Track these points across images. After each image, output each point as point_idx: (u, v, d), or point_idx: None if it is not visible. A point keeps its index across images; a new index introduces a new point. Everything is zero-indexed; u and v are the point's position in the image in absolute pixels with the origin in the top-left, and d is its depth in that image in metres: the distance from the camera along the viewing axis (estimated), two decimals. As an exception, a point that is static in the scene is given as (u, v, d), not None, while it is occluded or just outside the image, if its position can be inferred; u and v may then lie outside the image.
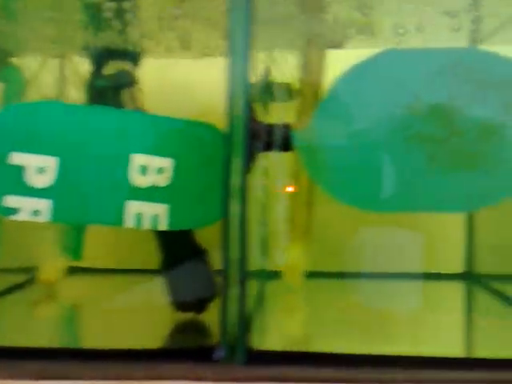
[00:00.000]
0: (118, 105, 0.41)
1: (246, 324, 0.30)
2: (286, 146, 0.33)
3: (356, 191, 0.33)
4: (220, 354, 0.29)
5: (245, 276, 0.30)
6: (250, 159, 0.31)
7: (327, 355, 0.30)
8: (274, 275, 0.46)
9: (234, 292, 0.30)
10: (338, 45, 0.45)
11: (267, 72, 0.45)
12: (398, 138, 0.31)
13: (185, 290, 0.38)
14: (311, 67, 0.44)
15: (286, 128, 0.33)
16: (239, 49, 0.29)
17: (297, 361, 0.29)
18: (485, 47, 0.46)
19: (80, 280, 0.51)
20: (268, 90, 0.46)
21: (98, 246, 0.49)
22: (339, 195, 0.33)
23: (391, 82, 0.31)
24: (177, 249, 0.39)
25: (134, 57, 0.46)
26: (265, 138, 0.33)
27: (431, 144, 0.31)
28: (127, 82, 0.42)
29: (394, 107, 0.31)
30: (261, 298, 0.45)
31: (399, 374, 0.28)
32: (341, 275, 0.48)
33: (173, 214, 0.34)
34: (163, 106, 0.45)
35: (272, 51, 0.47)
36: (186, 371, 0.28)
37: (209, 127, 0.33)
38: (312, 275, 0.45)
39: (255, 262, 0.46)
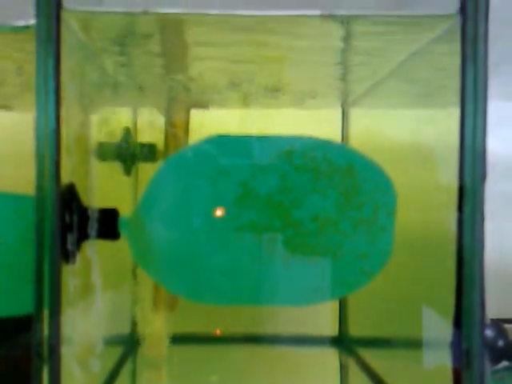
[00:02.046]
0: None
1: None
2: (114, 232, 0.30)
3: (189, 284, 0.30)
4: None
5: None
6: (69, 253, 0.28)
7: None
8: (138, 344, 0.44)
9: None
10: (203, 105, 0.43)
11: (127, 132, 0.42)
12: (228, 228, 0.29)
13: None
14: (176, 127, 0.42)
15: (114, 213, 0.30)
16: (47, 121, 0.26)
17: None
18: (354, 110, 0.45)
19: None
20: (130, 151, 0.43)
21: None
22: (174, 288, 0.30)
23: (219, 169, 0.29)
24: (9, 334, 0.35)
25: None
26: (89, 224, 0.29)
27: (265, 235, 0.29)
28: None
29: (223, 196, 0.29)
30: (119, 369, 0.41)
31: None
32: (211, 340, 0.45)
33: None
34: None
35: (136, 111, 0.44)
36: None
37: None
38: (179, 340, 0.42)
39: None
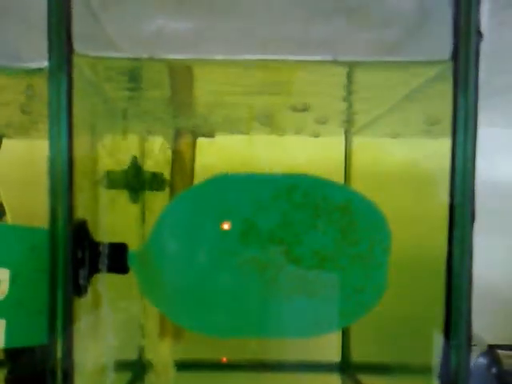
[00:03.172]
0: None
1: None
2: (123, 267, 0.31)
3: (195, 317, 0.31)
4: None
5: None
6: (81, 288, 0.29)
7: None
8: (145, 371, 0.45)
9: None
10: (209, 134, 0.44)
11: (135, 161, 0.44)
12: (232, 263, 0.30)
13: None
14: (182, 156, 0.43)
15: (123, 248, 0.32)
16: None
17: None
18: (356, 138, 0.46)
19: None
20: (137, 179, 0.45)
21: None
22: (180, 320, 0.32)
23: (223, 207, 0.30)
24: (25, 361, 0.37)
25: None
26: (100, 259, 0.31)
27: (268, 270, 0.30)
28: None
29: (228, 232, 0.30)
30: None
31: None
32: (217, 366, 0.46)
33: (11, 330, 0.32)
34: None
35: (143, 140, 0.46)
36: None
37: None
38: (186, 366, 0.43)
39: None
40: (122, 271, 0.31)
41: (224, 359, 0.47)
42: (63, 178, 0.28)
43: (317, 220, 0.30)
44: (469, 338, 0.28)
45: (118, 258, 0.31)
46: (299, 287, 0.31)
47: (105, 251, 0.31)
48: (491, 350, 0.40)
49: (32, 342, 0.33)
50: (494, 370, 0.40)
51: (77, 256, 0.28)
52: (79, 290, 0.29)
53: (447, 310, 0.28)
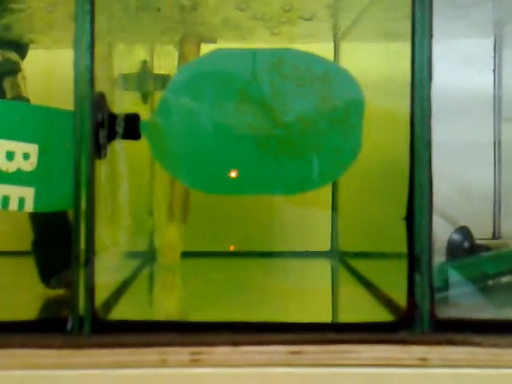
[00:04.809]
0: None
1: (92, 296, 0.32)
2: (136, 133, 0.36)
3: (198, 176, 0.37)
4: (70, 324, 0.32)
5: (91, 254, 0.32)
6: (101, 147, 0.34)
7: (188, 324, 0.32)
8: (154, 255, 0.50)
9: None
10: (212, 40, 0.49)
11: (144, 64, 0.48)
12: (230, 128, 0.35)
13: (55, 268, 0.40)
14: (187, 60, 0.47)
15: (135, 117, 0.37)
16: (83, 38, 0.31)
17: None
18: (345, 45, 0.50)
19: None
20: (147, 81, 0.49)
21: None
22: (185, 180, 0.37)
23: (221, 78, 0.35)
24: (49, 228, 0.41)
25: (20, 47, 0.48)
26: (116, 127, 0.36)
27: (260, 134, 0.35)
28: (10, 70, 0.44)
29: (224, 101, 0.35)
30: (135, 275, 0.47)
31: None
32: (215, 254, 0.53)
33: (39, 197, 0.37)
34: (47, 94, 0.48)
35: (153, 45, 0.50)
36: (34, 340, 0.30)
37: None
38: (188, 255, 0.48)
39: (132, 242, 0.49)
40: (135, 137, 0.36)
41: (232, 247, 0.53)
42: (86, 54, 0.32)
43: (301, 89, 0.35)
44: (430, 219, 0.31)
45: (131, 126, 0.36)
46: (287, 150, 0.36)
47: (120, 117, 0.36)
48: (464, 228, 0.45)
49: (57, 207, 0.38)
50: (466, 244, 0.45)
51: (97, 117, 0.33)
52: (99, 151, 0.34)
53: (410, 193, 0.31)
